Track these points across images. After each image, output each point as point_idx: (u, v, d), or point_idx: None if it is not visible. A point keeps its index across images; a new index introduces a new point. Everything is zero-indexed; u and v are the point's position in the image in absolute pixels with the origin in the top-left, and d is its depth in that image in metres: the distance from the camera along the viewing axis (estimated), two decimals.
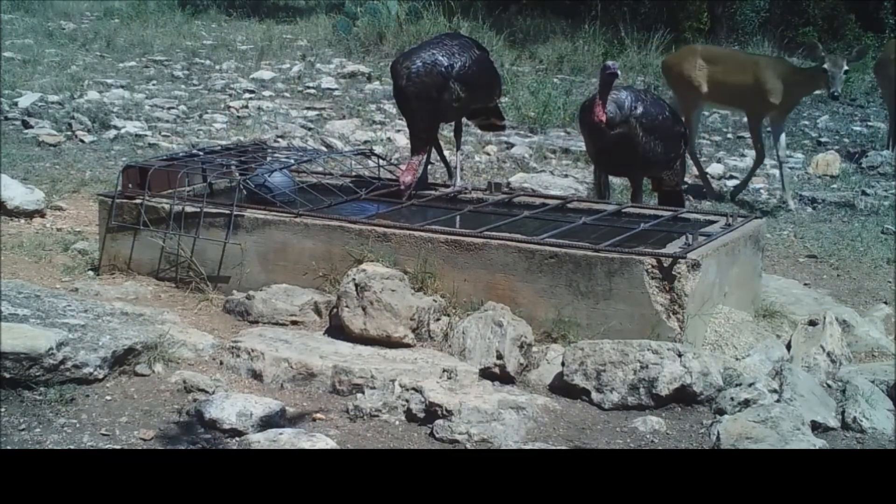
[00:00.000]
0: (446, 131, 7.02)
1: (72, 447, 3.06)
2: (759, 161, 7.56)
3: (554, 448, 3.24)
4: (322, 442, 3.05)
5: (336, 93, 10.07)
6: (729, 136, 9.50)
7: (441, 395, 3.42)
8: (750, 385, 3.65)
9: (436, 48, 4.83)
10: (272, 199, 4.56)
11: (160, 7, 14.81)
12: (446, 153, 5.48)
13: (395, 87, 4.89)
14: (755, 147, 7.57)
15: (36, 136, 7.34)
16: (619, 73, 4.81)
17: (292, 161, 4.99)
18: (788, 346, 4.19)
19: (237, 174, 4.85)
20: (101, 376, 3.50)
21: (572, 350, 3.74)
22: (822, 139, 9.54)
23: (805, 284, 5.34)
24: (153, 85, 9.80)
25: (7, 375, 3.31)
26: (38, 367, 3.36)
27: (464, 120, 5.32)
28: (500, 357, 3.76)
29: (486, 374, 3.74)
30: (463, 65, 4.80)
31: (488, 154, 7.98)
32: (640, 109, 4.84)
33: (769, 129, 7.47)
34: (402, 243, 4.21)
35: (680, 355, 3.63)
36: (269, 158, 5.11)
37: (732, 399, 3.57)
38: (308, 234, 4.33)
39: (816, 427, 3.47)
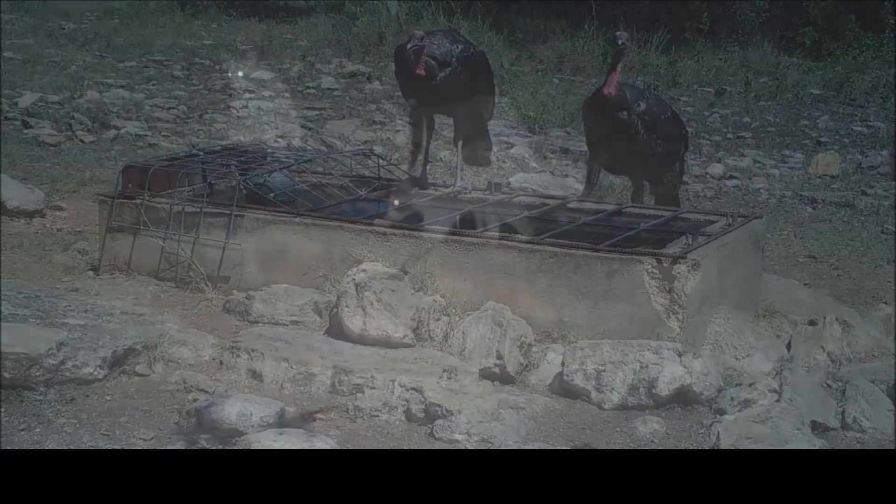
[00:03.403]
0: (446, 131, 7.03)
1: (72, 447, 3.06)
2: None
3: (554, 448, 3.24)
4: (322, 442, 3.05)
5: (336, 93, 10.07)
6: (729, 136, 9.49)
7: (441, 395, 3.42)
8: (750, 385, 3.65)
9: (441, 35, 4.89)
10: (272, 200, 4.56)
11: (160, 7, 14.79)
12: (445, 153, 5.47)
13: (404, 66, 4.86)
14: None
15: (36, 136, 7.34)
16: (628, 43, 4.79)
17: (292, 161, 4.99)
18: (788, 346, 4.18)
19: (237, 174, 4.85)
20: (101, 376, 3.50)
21: (572, 350, 3.74)
22: (822, 139, 9.53)
23: (805, 284, 5.33)
24: (153, 85, 9.80)
25: (7, 375, 3.31)
26: (38, 368, 3.36)
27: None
28: (500, 357, 3.76)
29: (486, 374, 3.74)
30: (466, 49, 4.88)
31: None
32: (642, 106, 4.82)
33: None
34: (402, 243, 4.21)
35: (680, 355, 3.63)
36: (269, 159, 5.11)
37: (732, 399, 3.57)
38: (308, 235, 4.33)
39: (816, 427, 3.47)
